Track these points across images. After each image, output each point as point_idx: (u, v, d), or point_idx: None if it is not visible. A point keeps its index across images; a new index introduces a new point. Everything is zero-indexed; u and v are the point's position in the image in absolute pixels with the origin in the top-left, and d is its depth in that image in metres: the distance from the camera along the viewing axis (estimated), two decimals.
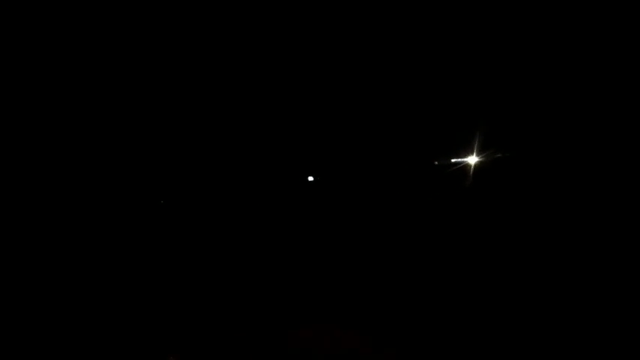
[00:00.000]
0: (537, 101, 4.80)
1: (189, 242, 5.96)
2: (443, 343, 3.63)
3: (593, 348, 3.39)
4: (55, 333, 3.85)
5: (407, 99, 5.37)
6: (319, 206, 6.36)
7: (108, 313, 4.25)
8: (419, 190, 5.83)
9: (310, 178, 6.41)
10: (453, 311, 4.11)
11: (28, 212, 5.27)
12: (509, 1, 4.31)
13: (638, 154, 4.45)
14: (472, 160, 5.33)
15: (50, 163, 5.42)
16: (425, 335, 3.74)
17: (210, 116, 5.79)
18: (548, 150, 4.94)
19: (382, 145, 5.81)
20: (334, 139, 5.98)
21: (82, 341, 3.74)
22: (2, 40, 4.60)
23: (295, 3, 4.54)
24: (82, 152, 5.59)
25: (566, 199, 4.88)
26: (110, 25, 4.71)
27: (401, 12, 4.51)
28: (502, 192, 5.30)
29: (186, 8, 4.58)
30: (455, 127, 5.34)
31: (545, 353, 3.45)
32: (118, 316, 4.20)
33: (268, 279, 5.16)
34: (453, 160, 5.47)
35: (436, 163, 5.60)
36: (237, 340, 3.78)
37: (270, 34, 4.86)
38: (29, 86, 5.03)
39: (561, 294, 4.12)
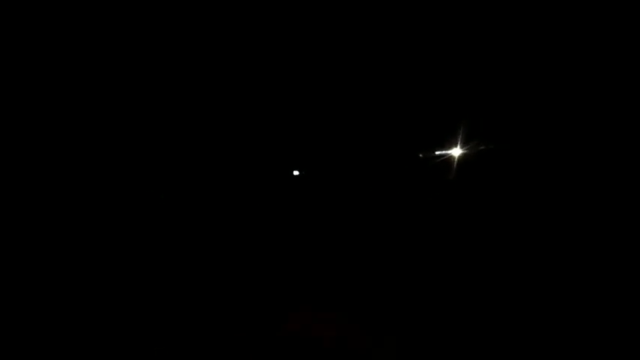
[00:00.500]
0: (521, 93, 4.88)
1: (178, 231, 5.87)
2: (438, 331, 3.67)
3: (586, 340, 3.48)
4: (42, 322, 3.74)
5: (391, 92, 5.38)
6: (305, 199, 6.35)
7: (95, 303, 4.15)
8: (404, 182, 5.89)
9: (296, 172, 6.39)
10: (443, 299, 4.16)
11: (27, 206, 5.15)
12: None
13: (621, 145, 4.59)
14: (456, 152, 5.42)
15: (50, 159, 5.30)
16: (418, 323, 3.77)
17: (197, 110, 5.66)
18: (532, 142, 5.05)
19: (366, 138, 5.82)
20: (319, 133, 5.95)
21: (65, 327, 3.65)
22: (2, 40, 4.45)
23: None
24: (82, 148, 5.48)
25: (550, 190, 5.02)
26: (109, 24, 4.58)
27: (382, 6, 4.47)
28: (486, 183, 5.41)
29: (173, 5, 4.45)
30: (439, 119, 5.40)
31: (538, 335, 3.52)
32: (102, 305, 4.10)
33: (261, 271, 5.13)
34: (437, 153, 5.54)
35: (421, 155, 5.66)
36: (229, 329, 3.74)
37: (255, 30, 4.75)
38: (29, 85, 4.90)
39: (544, 281, 4.24)
